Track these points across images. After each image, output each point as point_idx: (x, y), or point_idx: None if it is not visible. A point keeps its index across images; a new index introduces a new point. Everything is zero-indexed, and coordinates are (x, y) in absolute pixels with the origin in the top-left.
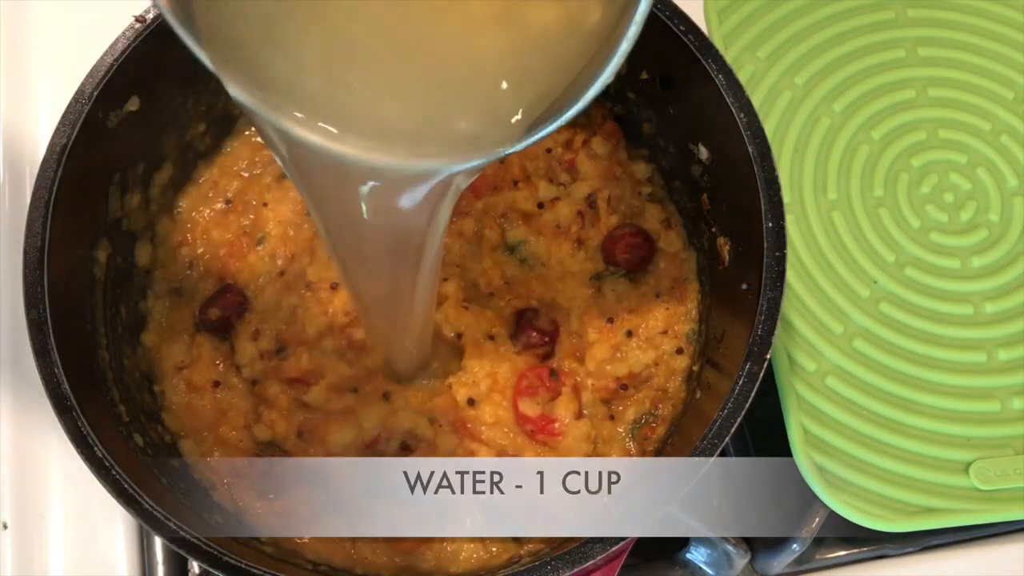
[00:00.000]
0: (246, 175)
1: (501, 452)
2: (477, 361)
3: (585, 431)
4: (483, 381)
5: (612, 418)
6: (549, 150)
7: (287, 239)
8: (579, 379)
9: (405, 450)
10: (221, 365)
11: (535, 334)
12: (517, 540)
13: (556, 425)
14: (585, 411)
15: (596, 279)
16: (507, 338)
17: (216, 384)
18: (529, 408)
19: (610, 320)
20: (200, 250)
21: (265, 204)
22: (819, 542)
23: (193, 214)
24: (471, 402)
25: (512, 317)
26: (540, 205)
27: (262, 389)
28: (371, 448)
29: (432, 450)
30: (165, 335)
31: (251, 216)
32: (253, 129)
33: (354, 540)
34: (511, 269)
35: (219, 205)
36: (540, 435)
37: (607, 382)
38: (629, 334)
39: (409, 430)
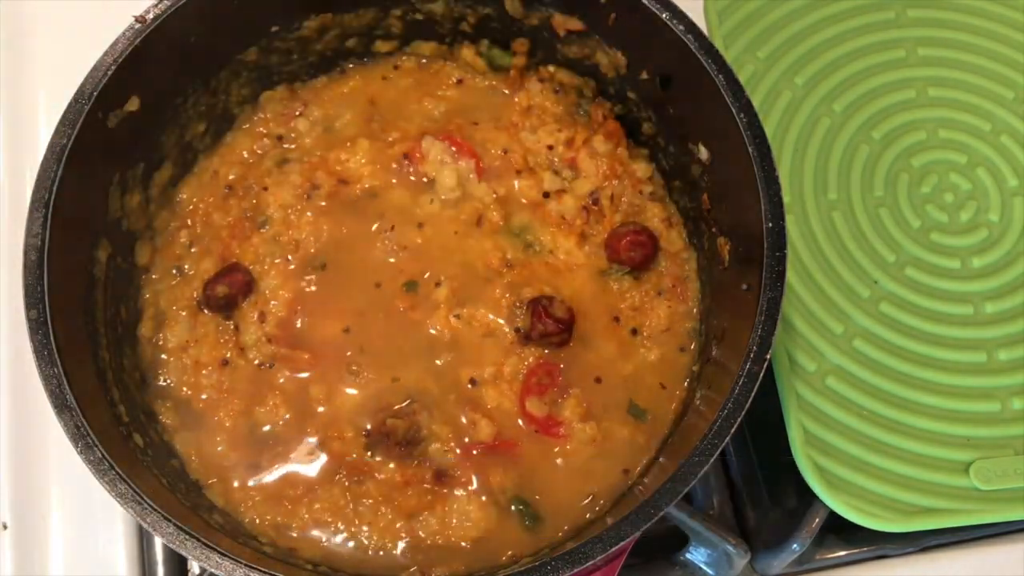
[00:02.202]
0: (246, 162)
1: (500, 433)
2: (479, 353)
3: (591, 434)
4: (487, 368)
5: (617, 416)
6: (551, 147)
7: (289, 223)
8: (589, 378)
9: (409, 403)
10: (227, 345)
11: (551, 322)
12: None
13: (562, 429)
14: (592, 412)
15: (601, 276)
16: (510, 331)
17: (224, 363)
18: (536, 408)
19: (616, 319)
20: (200, 231)
21: (265, 188)
22: (819, 542)
23: (193, 200)
24: (473, 382)
25: (512, 307)
26: (546, 195)
27: (270, 374)
28: (379, 410)
29: (436, 409)
30: (162, 317)
31: (252, 200)
32: (255, 120)
33: (355, 505)
34: (514, 251)
35: (219, 190)
36: (544, 435)
37: (614, 380)
38: (634, 332)
39: (415, 386)
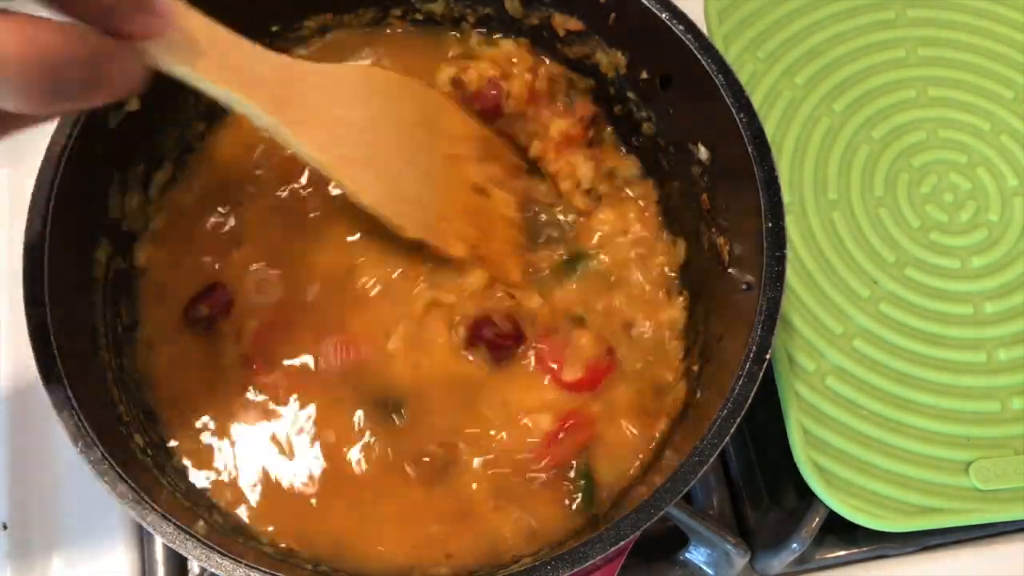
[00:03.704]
0: (225, 171)
1: (499, 449)
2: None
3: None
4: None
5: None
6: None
7: (264, 237)
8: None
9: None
10: (208, 364)
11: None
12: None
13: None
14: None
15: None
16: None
17: (208, 382)
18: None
19: (614, 318)
20: (183, 245)
21: (240, 203)
22: (819, 542)
23: (179, 206)
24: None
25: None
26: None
27: (251, 394)
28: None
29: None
30: (153, 335)
31: (227, 207)
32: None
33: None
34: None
35: (199, 199)
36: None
37: (612, 380)
38: (632, 331)
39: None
